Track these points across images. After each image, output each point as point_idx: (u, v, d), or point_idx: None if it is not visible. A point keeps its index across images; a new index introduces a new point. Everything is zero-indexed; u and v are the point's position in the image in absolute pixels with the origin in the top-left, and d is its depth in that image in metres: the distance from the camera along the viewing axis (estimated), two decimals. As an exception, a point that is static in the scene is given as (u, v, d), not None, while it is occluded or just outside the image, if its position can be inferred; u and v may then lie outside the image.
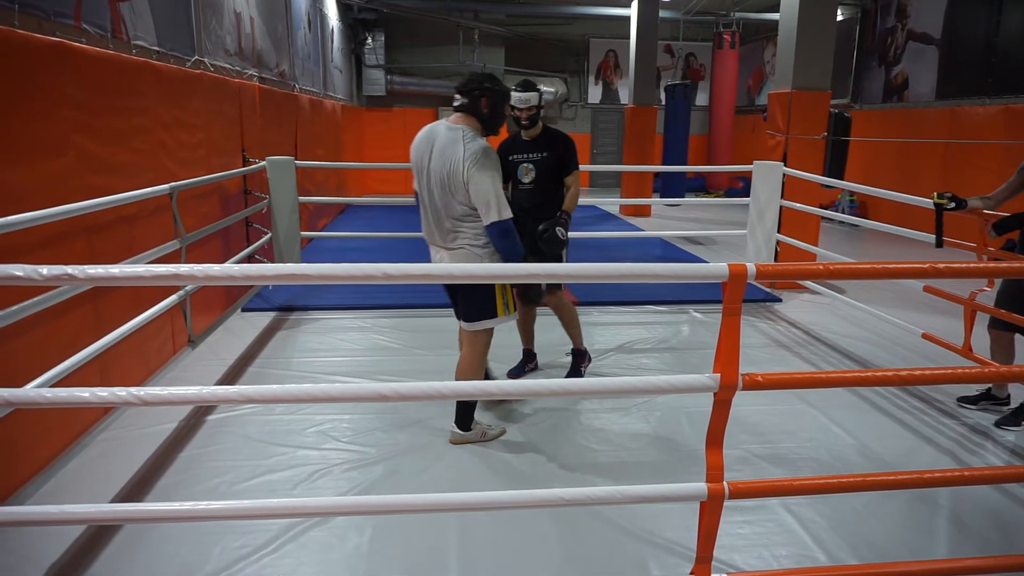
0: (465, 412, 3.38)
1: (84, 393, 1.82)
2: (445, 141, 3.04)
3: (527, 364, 4.40)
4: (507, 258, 3.12)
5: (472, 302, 3.23)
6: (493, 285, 3.18)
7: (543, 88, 3.94)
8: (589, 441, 3.49)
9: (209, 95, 5.11)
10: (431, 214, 3.20)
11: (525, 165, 3.94)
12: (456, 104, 3.14)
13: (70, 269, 1.72)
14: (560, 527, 2.72)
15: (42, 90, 3.07)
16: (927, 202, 3.93)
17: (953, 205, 3.75)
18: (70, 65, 3.27)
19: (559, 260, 3.74)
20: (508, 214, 3.05)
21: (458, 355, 3.47)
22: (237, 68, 6.08)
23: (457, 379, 3.35)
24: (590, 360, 4.28)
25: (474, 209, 3.07)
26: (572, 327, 4.19)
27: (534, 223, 3.91)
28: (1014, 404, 3.77)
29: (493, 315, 3.24)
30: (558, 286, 4.07)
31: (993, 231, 3.62)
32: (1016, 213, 3.54)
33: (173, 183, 4.06)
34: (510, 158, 3.98)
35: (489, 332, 3.34)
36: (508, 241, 3.08)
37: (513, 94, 3.83)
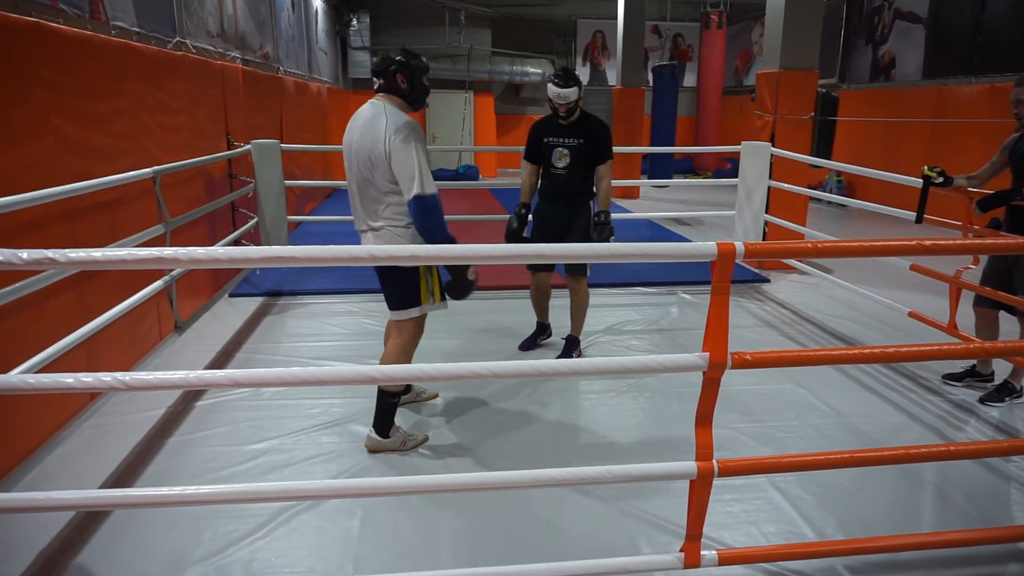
0: (385, 416, 3.14)
1: (68, 379, 1.80)
2: (368, 117, 2.94)
3: (540, 336, 4.46)
4: (429, 238, 2.91)
5: (395, 289, 3.07)
6: (417, 271, 3.01)
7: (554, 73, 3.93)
8: (580, 422, 3.50)
9: (192, 77, 5.04)
10: (358, 196, 3.04)
11: (560, 150, 3.91)
12: (376, 87, 3.03)
13: (51, 253, 1.69)
14: (551, 506, 2.74)
15: (18, 72, 3.01)
16: (914, 181, 3.94)
17: (941, 180, 3.76)
18: (47, 46, 3.20)
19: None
20: (433, 190, 2.86)
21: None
22: (220, 50, 5.99)
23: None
24: (581, 353, 4.30)
25: (396, 184, 2.91)
26: (579, 314, 4.21)
27: (565, 209, 3.99)
28: (998, 380, 3.81)
29: (416, 303, 3.06)
30: (584, 272, 4.09)
31: (978, 208, 3.63)
32: (1001, 191, 3.56)
33: (156, 167, 4.01)
34: (545, 140, 3.97)
35: (417, 322, 3.13)
36: (431, 219, 2.87)
37: (551, 88, 3.82)
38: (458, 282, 3.01)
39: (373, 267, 3.06)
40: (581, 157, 3.89)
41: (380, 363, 3.19)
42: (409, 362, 3.18)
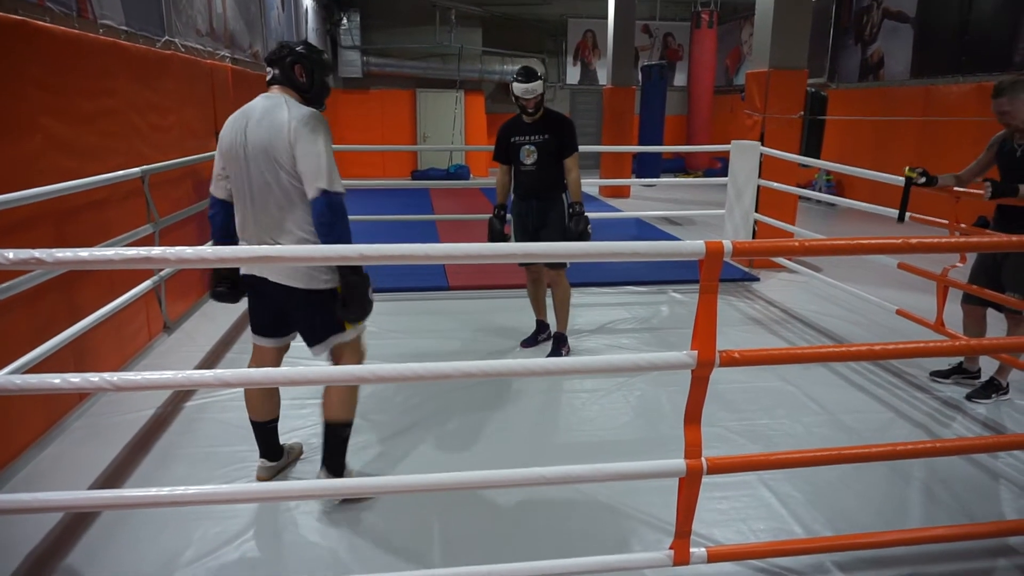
0: (337, 453, 2.79)
1: (55, 379, 1.79)
2: (263, 111, 2.52)
3: (539, 334, 4.53)
4: (332, 244, 2.40)
5: (314, 322, 2.65)
6: (334, 295, 2.59)
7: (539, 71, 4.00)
8: (569, 420, 3.51)
9: (180, 76, 5.01)
10: (256, 203, 2.53)
11: (527, 147, 4.05)
12: (268, 78, 2.63)
13: (38, 253, 1.68)
14: (540, 505, 2.74)
15: (5, 70, 2.98)
16: (901, 180, 3.96)
17: (924, 180, 3.76)
18: (34, 44, 3.18)
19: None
20: (341, 188, 2.47)
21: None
22: (209, 49, 5.96)
23: (331, 403, 2.74)
24: (569, 350, 4.32)
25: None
26: (563, 309, 4.27)
27: (538, 203, 4.11)
28: (985, 377, 3.85)
29: (341, 329, 2.67)
30: (563, 264, 4.17)
31: (990, 187, 3.43)
32: (1009, 183, 3.47)
33: (145, 166, 3.99)
34: (512, 139, 4.11)
35: (354, 346, 2.76)
36: (339, 222, 2.44)
37: (517, 85, 3.91)
38: (357, 302, 2.54)
39: (279, 303, 2.63)
40: (548, 152, 4.02)
41: (325, 398, 2.76)
42: (357, 393, 2.82)
